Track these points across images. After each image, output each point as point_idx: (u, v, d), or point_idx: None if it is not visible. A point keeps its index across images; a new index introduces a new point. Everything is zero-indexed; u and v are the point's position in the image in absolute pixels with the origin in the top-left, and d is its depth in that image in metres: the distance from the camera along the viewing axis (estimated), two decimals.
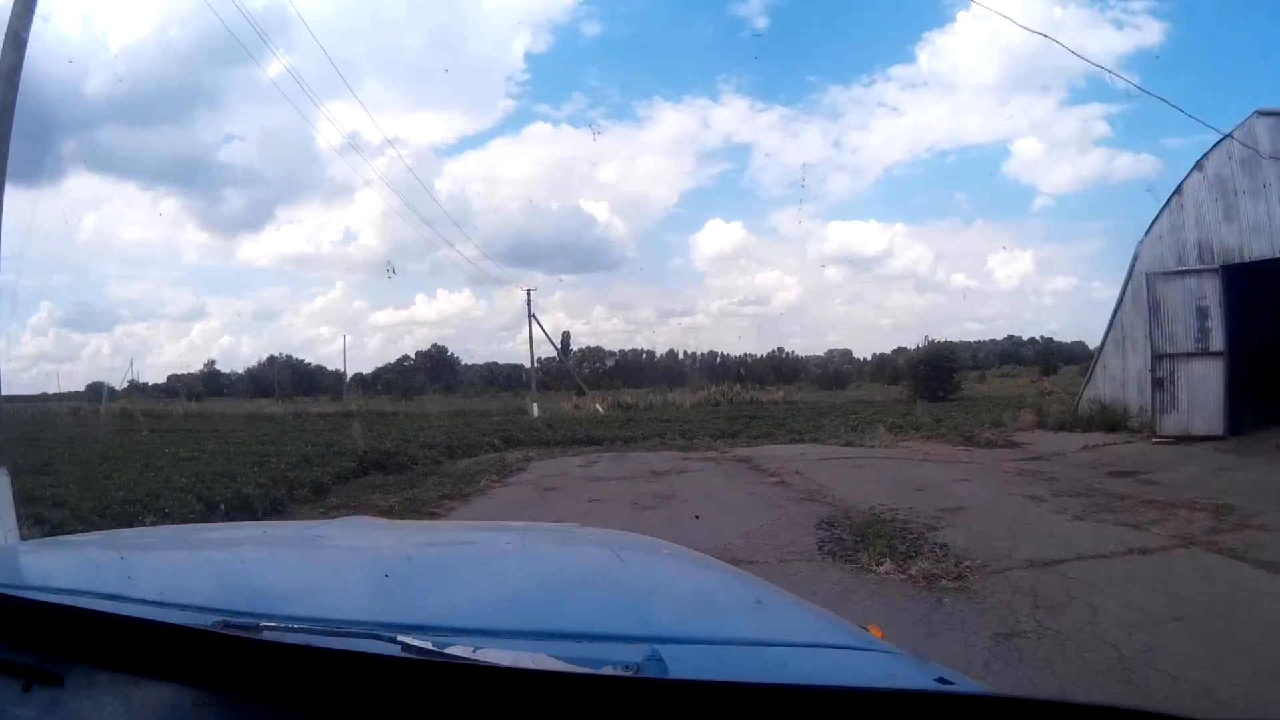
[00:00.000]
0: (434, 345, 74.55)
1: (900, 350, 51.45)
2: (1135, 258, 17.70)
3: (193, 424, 31.12)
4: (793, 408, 35.60)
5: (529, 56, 73.14)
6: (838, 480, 12.16)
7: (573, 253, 79.94)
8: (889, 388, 49.23)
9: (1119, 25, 63.12)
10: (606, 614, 1.50)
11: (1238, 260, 15.43)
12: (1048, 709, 0.80)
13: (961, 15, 67.53)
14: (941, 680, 1.13)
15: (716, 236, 79.78)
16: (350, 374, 62.73)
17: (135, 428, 27.97)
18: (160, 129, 65.07)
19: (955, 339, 43.75)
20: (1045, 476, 12.03)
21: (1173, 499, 9.59)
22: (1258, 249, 15.03)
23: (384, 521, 3.36)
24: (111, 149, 58.29)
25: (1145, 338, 17.15)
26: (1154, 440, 15.52)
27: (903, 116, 73.45)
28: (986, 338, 74.97)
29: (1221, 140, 15.90)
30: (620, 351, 75.24)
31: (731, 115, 75.17)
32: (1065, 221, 74.35)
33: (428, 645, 1.04)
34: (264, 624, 1.12)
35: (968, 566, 6.78)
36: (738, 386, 46.76)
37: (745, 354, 71.57)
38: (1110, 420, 17.58)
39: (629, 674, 0.99)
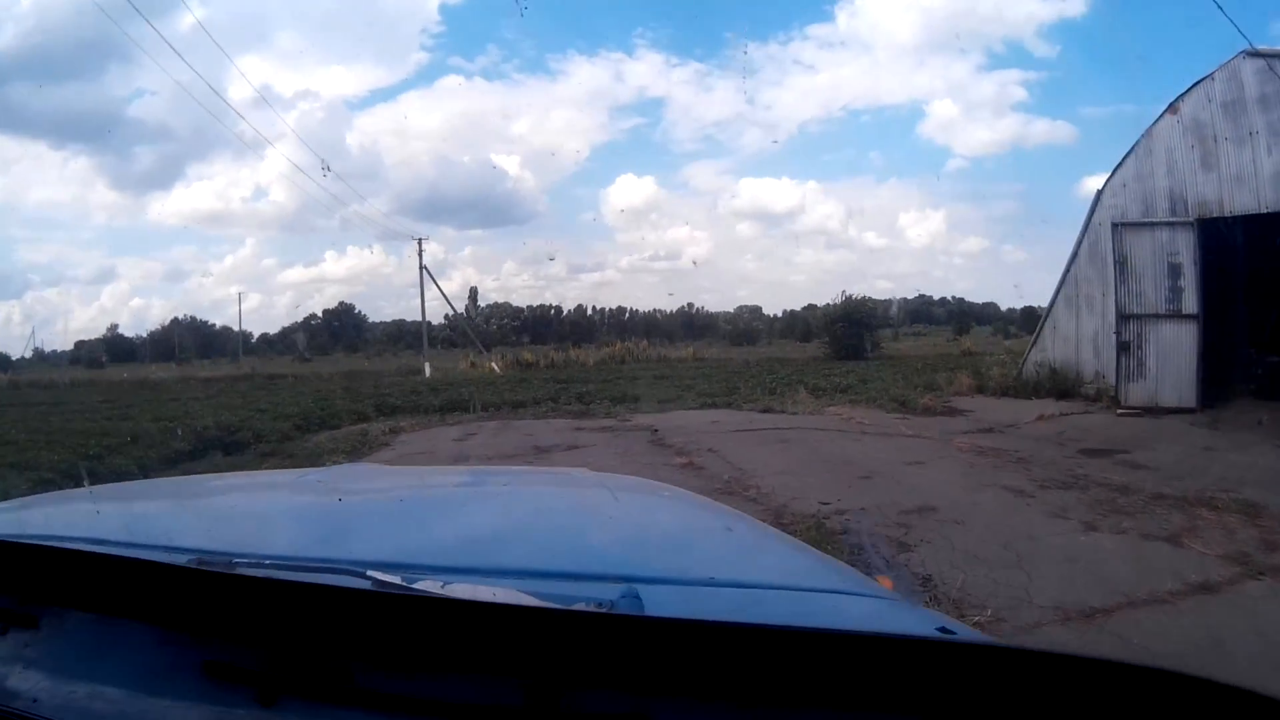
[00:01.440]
0: (341, 303, 71.84)
1: (811, 307, 50.02)
2: (1094, 207, 15.89)
3: (73, 395, 28.22)
4: (703, 366, 32.91)
5: (443, 8, 69.35)
6: (761, 462, 9.96)
7: (483, 207, 77.96)
8: (801, 345, 47.67)
9: None
10: (588, 554, 1.48)
11: (1215, 214, 13.74)
12: (1055, 661, 0.74)
13: None
14: (943, 630, 1.07)
15: (628, 191, 78.18)
16: (257, 334, 62.36)
17: (14, 401, 26.48)
18: (71, 84, 61.62)
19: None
20: (1013, 457, 10.10)
21: (1181, 492, 7.84)
22: (1240, 202, 13.35)
23: (387, 468, 3.25)
24: (21, 106, 55.30)
25: (1103, 296, 15.53)
26: (1119, 411, 13.78)
27: (818, 75, 72.72)
28: (897, 295, 74.96)
29: (1200, 82, 14.13)
30: (529, 308, 73.51)
31: (646, 69, 73.96)
32: (978, 183, 75.36)
33: (396, 580, 1.03)
34: (236, 560, 1.12)
35: (977, 622, 4.62)
36: (644, 343, 44.52)
37: (655, 309, 71.30)
38: (1061, 386, 15.85)
39: (601, 610, 0.97)
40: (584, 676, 0.84)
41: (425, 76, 79.69)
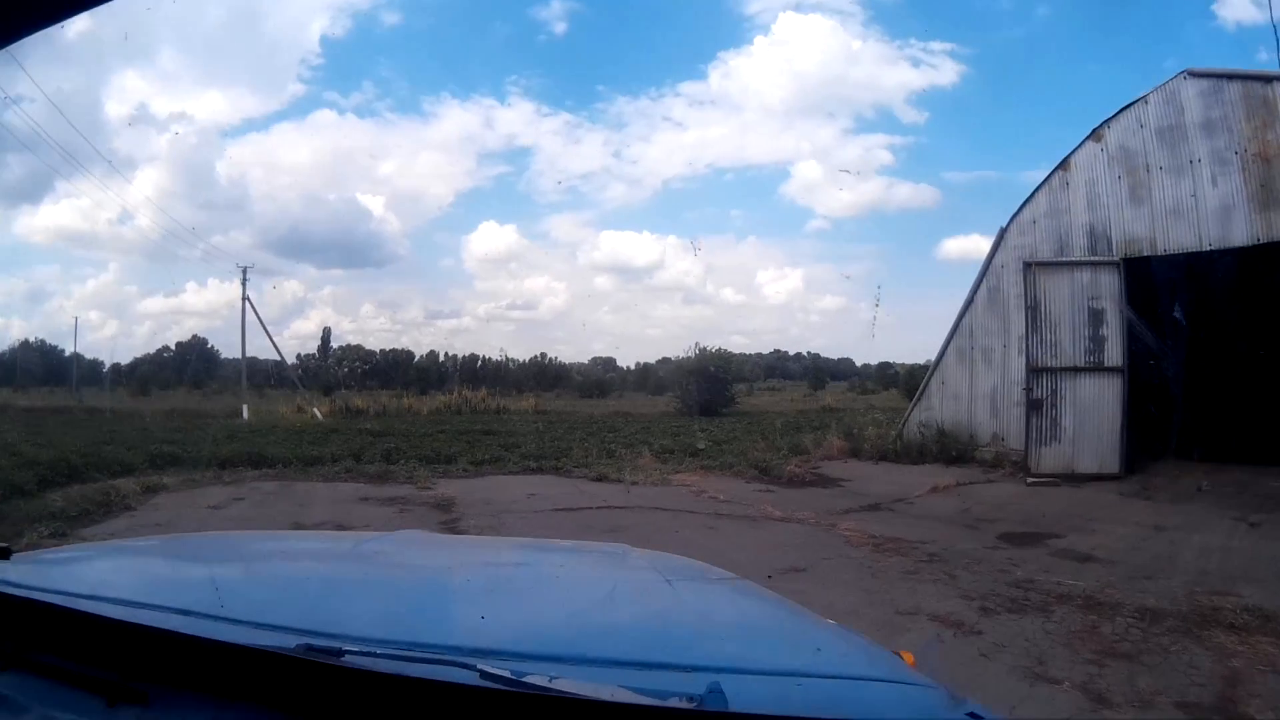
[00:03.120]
0: (194, 336, 66.79)
1: (665, 360, 48.29)
2: (996, 246, 13.79)
3: None
4: (544, 419, 29.67)
5: (325, 40, 66.54)
6: None
7: (345, 247, 75.27)
8: (653, 399, 45.27)
9: (916, 63, 65.52)
10: (666, 642, 1.53)
11: (1146, 252, 11.72)
12: None
13: (759, 39, 68.03)
14: (973, 715, 1.15)
15: (489, 239, 76.19)
16: (110, 364, 56.29)
17: None
18: None
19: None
20: (921, 552, 7.44)
21: (1169, 601, 5.75)
22: (1178, 239, 11.36)
23: (437, 536, 3.41)
24: None
25: (1004, 347, 13.37)
26: (1029, 480, 11.38)
27: (686, 132, 72.86)
28: (753, 351, 74.99)
29: (1130, 105, 12.25)
30: (381, 352, 70.58)
31: (516, 117, 72.57)
32: (838, 243, 76.89)
33: (505, 674, 1.07)
34: (345, 648, 1.13)
35: None
36: (482, 392, 40.91)
37: (508, 358, 68.69)
38: (951, 450, 13.48)
39: (692, 706, 1.03)
40: None
41: (299, 109, 76.90)
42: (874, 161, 73.12)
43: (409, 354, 70.15)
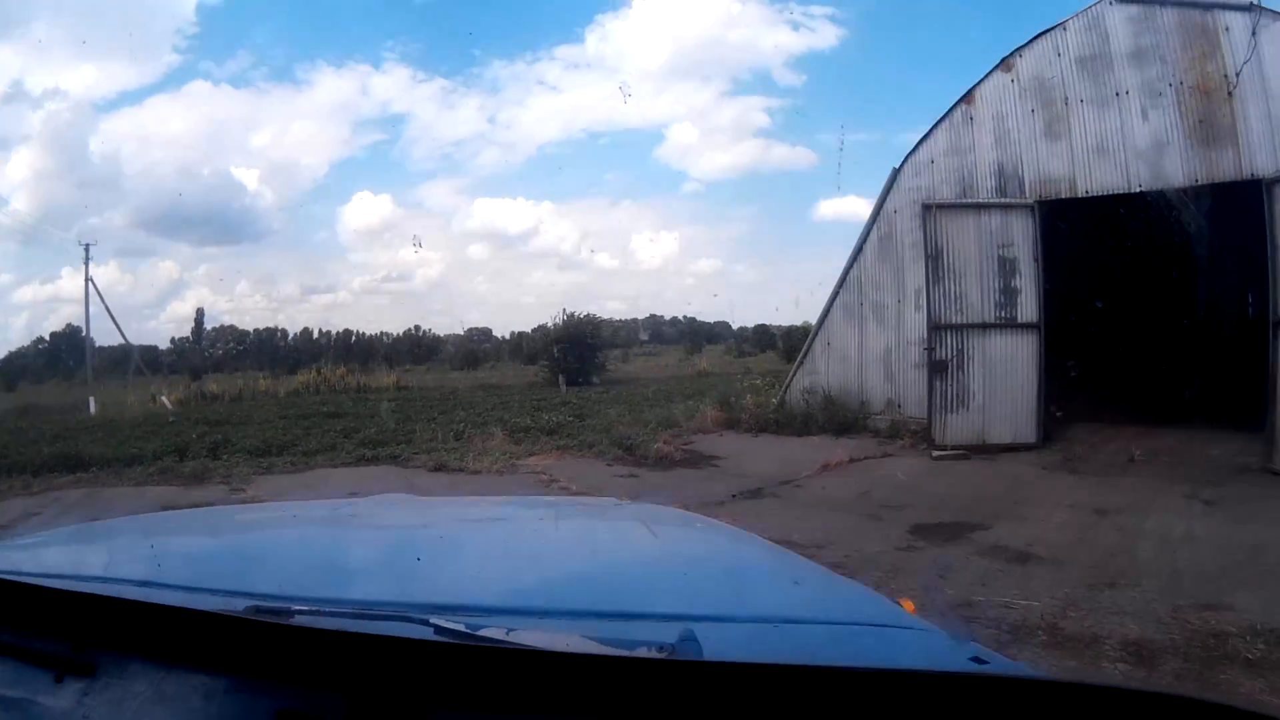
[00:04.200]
0: (68, 325, 60.94)
1: (540, 328, 47.03)
2: (888, 189, 12.26)
3: None
4: (403, 395, 27.14)
5: (201, 7, 62.01)
6: None
7: (220, 223, 72.00)
8: (525, 368, 43.49)
9: (795, 26, 65.51)
10: (639, 592, 1.44)
11: (1066, 194, 10.31)
12: (1093, 694, 0.73)
13: (637, 1, 66.69)
14: (976, 659, 1.08)
15: (364, 209, 73.74)
16: None
17: None
18: None
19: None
20: (822, 562, 5.54)
21: (1156, 628, 4.45)
22: (1102, 179, 10.01)
23: (417, 498, 3.10)
24: None
25: (898, 302, 11.89)
26: (935, 454, 9.88)
27: (561, 96, 71.35)
28: (629, 316, 73.97)
29: (1046, 32, 10.80)
30: (255, 331, 67.14)
31: (392, 84, 70.51)
32: (713, 205, 77.30)
33: (460, 627, 1.01)
34: (295, 608, 1.07)
35: None
36: (342, 369, 37.76)
37: (382, 332, 66.40)
38: (841, 419, 11.94)
39: (663, 655, 0.94)
40: (655, 717, 0.83)
41: (174, 80, 74.09)
42: (751, 124, 73.05)
43: (283, 332, 67.34)
